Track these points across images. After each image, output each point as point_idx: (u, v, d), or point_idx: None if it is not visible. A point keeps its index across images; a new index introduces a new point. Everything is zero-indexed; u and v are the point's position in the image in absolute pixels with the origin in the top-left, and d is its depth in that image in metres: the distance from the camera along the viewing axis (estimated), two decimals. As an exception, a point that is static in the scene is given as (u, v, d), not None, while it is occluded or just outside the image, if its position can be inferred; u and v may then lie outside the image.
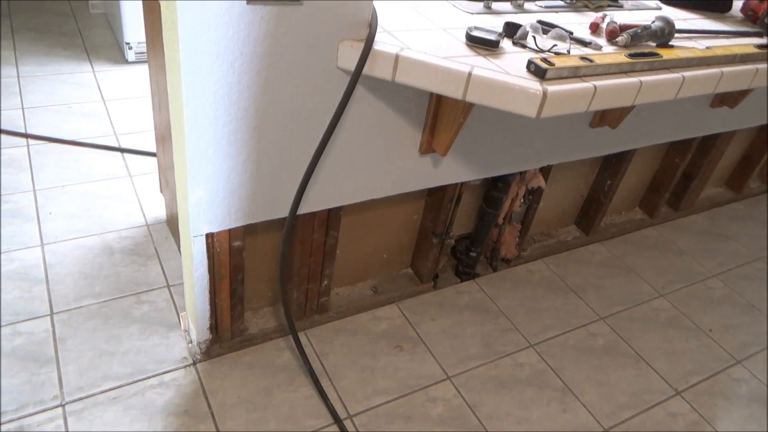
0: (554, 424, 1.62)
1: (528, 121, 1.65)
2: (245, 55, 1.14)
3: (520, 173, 1.88)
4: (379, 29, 1.28)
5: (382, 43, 1.24)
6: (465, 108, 1.36)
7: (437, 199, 1.78)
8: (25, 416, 1.41)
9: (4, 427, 1.38)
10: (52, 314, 1.67)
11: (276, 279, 1.70)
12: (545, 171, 1.94)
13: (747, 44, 1.61)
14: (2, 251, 1.83)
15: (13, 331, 1.60)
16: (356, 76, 1.22)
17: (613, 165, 2.16)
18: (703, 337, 2.02)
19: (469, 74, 1.19)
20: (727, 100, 2.03)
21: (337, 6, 1.17)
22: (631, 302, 2.10)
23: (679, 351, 1.94)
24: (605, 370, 1.82)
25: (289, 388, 1.58)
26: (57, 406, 1.45)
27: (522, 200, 1.97)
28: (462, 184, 1.76)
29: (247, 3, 1.08)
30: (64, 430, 1.40)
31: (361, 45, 1.21)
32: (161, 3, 1.15)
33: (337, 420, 1.51)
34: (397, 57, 1.21)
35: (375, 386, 1.63)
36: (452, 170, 1.63)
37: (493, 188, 1.88)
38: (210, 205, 1.31)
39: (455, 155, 1.60)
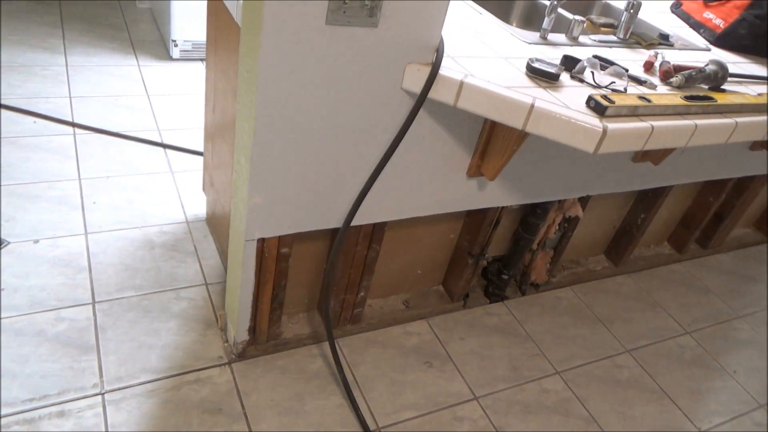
0: (578, 454, 1.64)
1: (576, 152, 1.68)
2: (318, 71, 1.18)
3: (559, 201, 1.90)
4: (444, 54, 1.32)
5: (446, 68, 1.28)
6: (520, 137, 1.39)
7: (476, 220, 1.81)
8: (66, 401, 1.45)
9: (46, 410, 1.42)
10: (94, 303, 1.71)
11: (313, 286, 1.73)
12: (583, 200, 1.96)
13: (798, 94, 1.62)
14: (49, 237, 1.88)
15: (57, 317, 1.64)
16: (422, 99, 1.25)
17: (648, 199, 2.18)
18: (728, 378, 2.03)
19: (532, 106, 1.22)
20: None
21: (408, 30, 1.20)
22: (657, 337, 2.11)
23: (704, 390, 1.95)
24: (630, 403, 1.83)
25: (320, 395, 1.61)
26: (97, 394, 1.48)
27: (557, 227, 1.99)
28: (502, 208, 1.78)
29: (326, 23, 1.12)
30: (103, 418, 1.44)
31: (428, 69, 1.25)
32: (242, 17, 1.19)
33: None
34: (461, 83, 1.25)
35: (404, 400, 1.65)
36: (496, 194, 1.66)
37: (532, 214, 1.90)
38: (266, 211, 1.35)
39: (501, 180, 1.63)
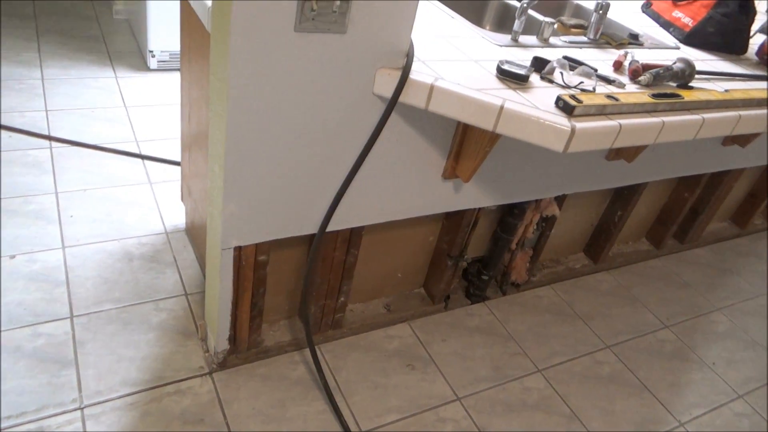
0: (561, 450, 1.65)
1: (549, 152, 1.70)
2: (289, 78, 1.18)
3: (536, 201, 1.92)
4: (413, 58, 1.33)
5: (417, 72, 1.29)
6: (492, 138, 1.41)
7: (454, 222, 1.82)
8: (45, 417, 1.43)
9: (24, 427, 1.41)
10: (72, 317, 1.69)
11: (293, 293, 1.73)
12: (560, 200, 1.98)
13: (764, 89, 1.66)
14: (26, 252, 1.86)
15: (34, 332, 1.63)
16: (392, 103, 1.26)
17: (624, 196, 2.20)
18: (707, 370, 2.06)
19: (501, 107, 1.23)
20: (739, 139, 2.09)
21: (377, 36, 1.21)
22: (636, 332, 2.14)
23: (683, 383, 1.98)
24: (611, 398, 1.85)
25: (302, 401, 1.61)
26: (76, 409, 1.47)
27: (535, 227, 2.01)
28: (479, 209, 1.80)
29: (295, 30, 1.13)
30: (82, 432, 1.43)
31: (398, 74, 1.26)
32: (212, 24, 1.19)
33: (350, 436, 1.54)
34: (431, 87, 1.26)
35: (387, 404, 1.66)
36: (472, 196, 1.67)
37: (509, 214, 1.92)
38: (241, 219, 1.35)
39: (476, 181, 1.65)
